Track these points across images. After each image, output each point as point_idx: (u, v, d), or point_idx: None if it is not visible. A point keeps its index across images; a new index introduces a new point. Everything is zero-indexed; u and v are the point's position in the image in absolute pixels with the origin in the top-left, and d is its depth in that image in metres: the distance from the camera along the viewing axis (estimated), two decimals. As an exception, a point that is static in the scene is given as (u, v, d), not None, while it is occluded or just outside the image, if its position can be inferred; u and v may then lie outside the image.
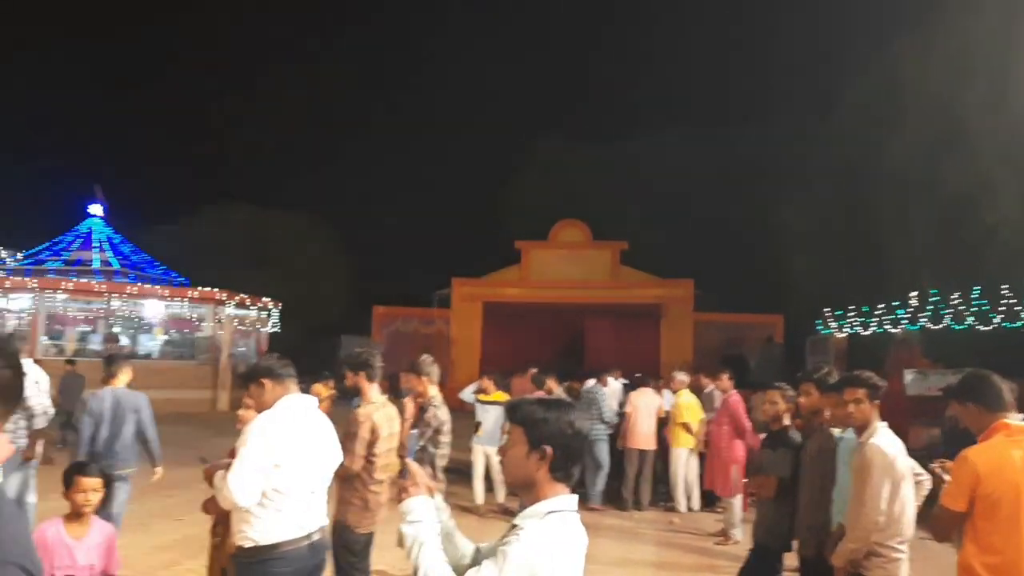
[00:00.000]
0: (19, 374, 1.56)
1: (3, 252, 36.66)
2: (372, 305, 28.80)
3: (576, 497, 2.22)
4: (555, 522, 2.11)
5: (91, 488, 3.86)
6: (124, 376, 6.94)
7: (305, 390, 4.17)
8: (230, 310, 24.61)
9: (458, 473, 10.55)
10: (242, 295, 25.16)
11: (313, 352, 21.83)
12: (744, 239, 30.41)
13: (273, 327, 28.31)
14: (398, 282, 33.29)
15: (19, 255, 28.47)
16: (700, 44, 46.12)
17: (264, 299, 26.78)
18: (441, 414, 6.14)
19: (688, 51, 45.63)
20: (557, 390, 9.92)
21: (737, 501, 8.94)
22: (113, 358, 7.14)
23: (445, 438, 6.28)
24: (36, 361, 8.09)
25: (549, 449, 2.15)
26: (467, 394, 10.76)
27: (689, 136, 35.88)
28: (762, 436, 6.42)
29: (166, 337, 25.76)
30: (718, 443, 9.22)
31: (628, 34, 61.35)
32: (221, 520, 4.25)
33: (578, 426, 2.20)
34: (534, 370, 10.36)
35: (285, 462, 3.65)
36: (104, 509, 4.93)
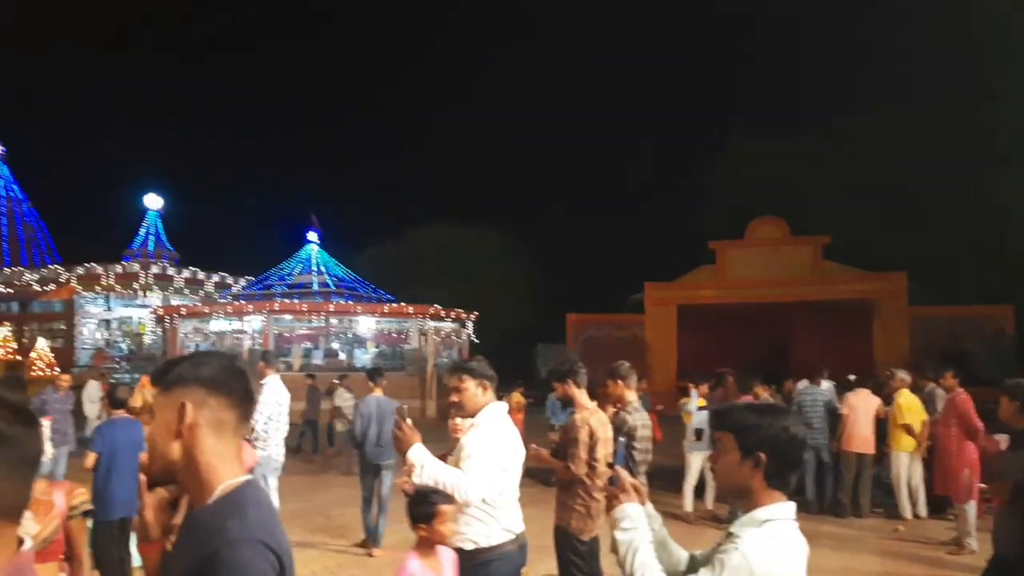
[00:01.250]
0: (250, 389, 1.77)
1: (238, 279, 40.79)
2: (565, 313, 29.13)
3: (793, 505, 2.15)
4: (773, 530, 2.07)
5: (452, 518, 3.51)
6: (380, 386, 8.54)
7: (501, 398, 4.28)
8: (432, 323, 25.87)
9: (662, 479, 10.45)
10: (443, 308, 26.37)
11: (509, 361, 22.45)
12: (963, 225, 27.81)
13: (471, 338, 29.40)
14: (590, 289, 33.47)
15: (243, 281, 31.47)
16: (905, 22, 42.86)
17: (462, 311, 27.90)
18: (633, 419, 6.09)
19: (893, 29, 42.54)
20: (765, 394, 9.57)
21: (971, 507, 8.20)
22: (374, 372, 8.88)
23: (640, 444, 6.21)
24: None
25: (763, 456, 2.10)
26: (692, 408, 10.48)
27: (893, 116, 33.39)
28: (999, 437, 5.87)
29: (377, 350, 27.49)
30: (947, 445, 8.52)
31: (828, 18, 58.13)
32: None
33: (793, 431, 2.13)
34: (731, 377, 10.07)
35: (508, 466, 3.82)
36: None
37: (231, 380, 1.72)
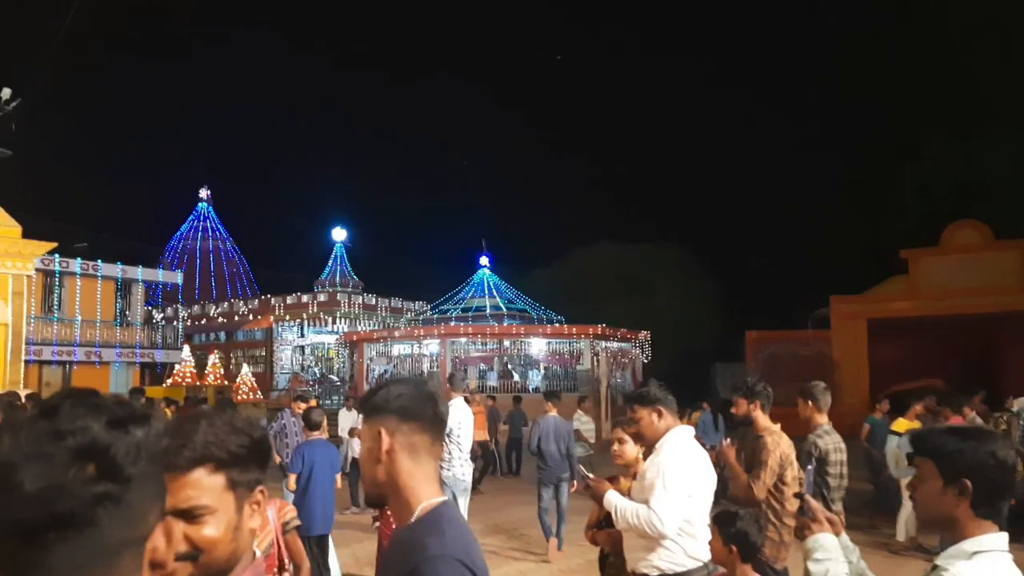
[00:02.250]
0: (440, 412, 1.91)
1: (417, 305, 42.60)
2: (744, 330, 28.14)
3: (1006, 535, 1.96)
4: (985, 563, 1.90)
5: None
6: (556, 407, 9.44)
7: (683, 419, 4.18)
8: (604, 343, 25.76)
9: (870, 504, 9.88)
10: (615, 328, 26.22)
11: (687, 381, 21.92)
12: None
13: (646, 357, 29.00)
14: (771, 304, 32.17)
15: (417, 305, 32.76)
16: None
17: (636, 331, 27.60)
18: (824, 443, 5.73)
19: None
20: (971, 415, 8.76)
21: None
22: (551, 393, 10.20)
23: (833, 469, 5.83)
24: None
25: (968, 483, 1.94)
26: (891, 450, 9.82)
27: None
28: None
29: (546, 371, 27.73)
30: None
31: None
32: (615, 551, 4.23)
33: (1001, 456, 1.96)
34: (932, 396, 9.33)
35: (695, 492, 3.70)
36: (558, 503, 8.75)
37: (421, 406, 1.85)
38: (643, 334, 28.33)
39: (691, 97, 75.50)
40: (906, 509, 9.26)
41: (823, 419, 5.95)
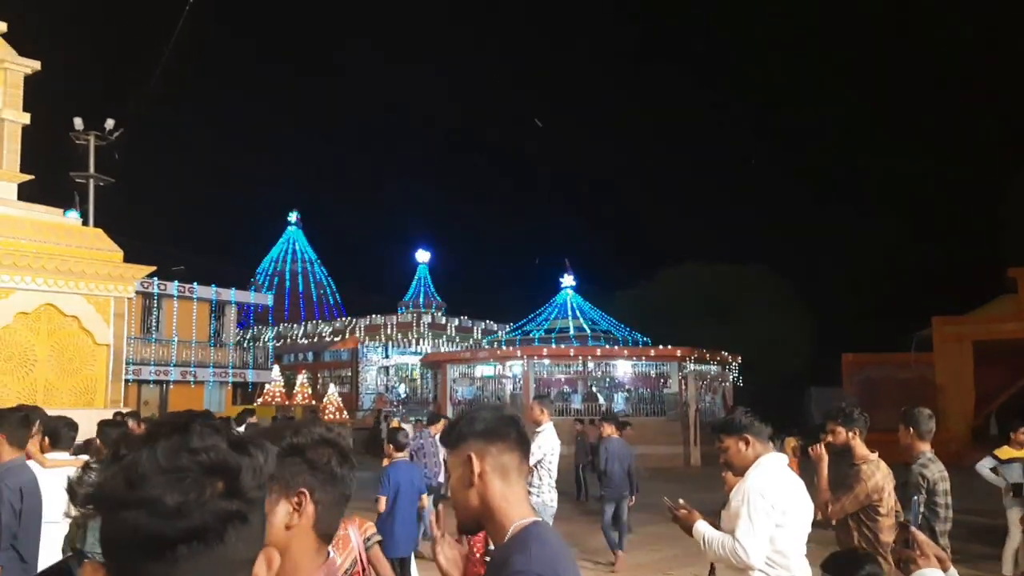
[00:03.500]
0: (523, 432, 1.94)
1: (500, 326, 42.65)
2: (840, 352, 27.07)
3: None
4: None
5: None
6: (619, 431, 10.52)
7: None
8: (692, 366, 25.14)
9: (978, 538, 9.20)
10: (703, 350, 25.58)
11: (779, 405, 21.16)
12: None
13: (736, 380, 28.19)
14: (867, 326, 30.88)
15: (493, 325, 32.77)
16: None
17: (725, 353, 26.88)
18: (931, 472, 5.36)
19: None
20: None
21: None
22: (611, 416, 11.10)
23: (941, 500, 5.49)
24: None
25: None
26: (983, 469, 9.20)
27: None
28: None
29: (631, 394, 27.22)
30: None
31: None
32: None
33: None
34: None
35: (786, 522, 3.56)
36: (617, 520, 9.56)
37: (504, 427, 1.89)
38: (732, 356, 27.56)
39: (780, 111, 73.94)
40: (1014, 541, 8.67)
41: (925, 447, 5.64)
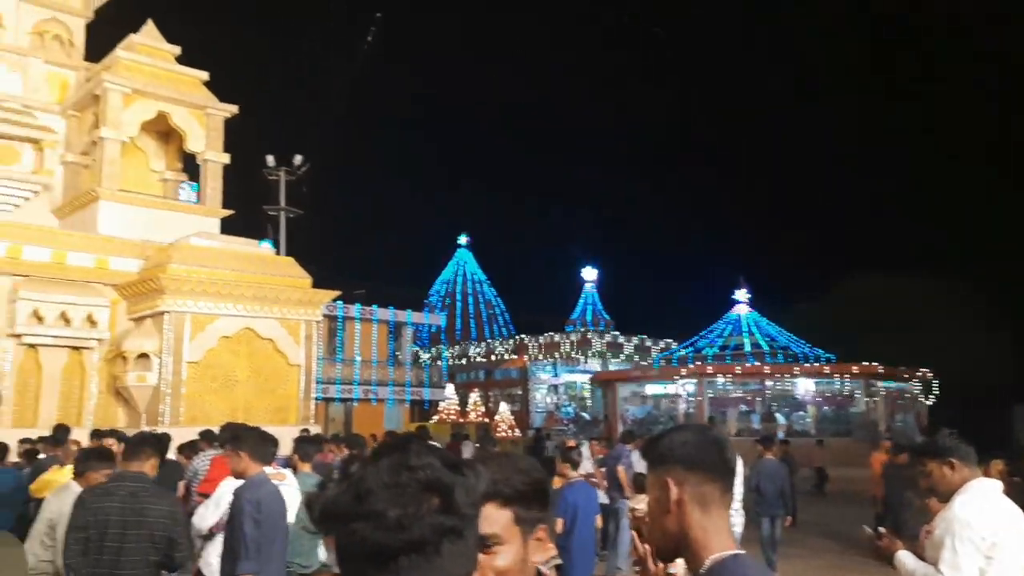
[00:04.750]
0: (728, 459, 1.82)
1: (671, 344, 41.83)
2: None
3: None
4: None
5: None
6: (772, 451, 10.56)
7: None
8: (882, 383, 23.48)
9: None
10: (894, 367, 23.85)
11: (979, 425, 19.34)
12: None
13: (931, 399, 26.07)
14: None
15: (663, 343, 32.02)
16: None
17: (919, 370, 24.93)
18: None
19: None
20: None
21: None
22: (766, 439, 10.85)
23: None
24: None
25: None
26: None
27: None
28: None
29: (813, 413, 25.78)
30: None
31: None
32: None
33: None
34: None
35: (997, 555, 3.22)
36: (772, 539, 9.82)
37: (707, 454, 1.77)
38: (925, 373, 25.52)
39: (970, 114, 68.27)
40: None
41: None
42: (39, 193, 16.57)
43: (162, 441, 9.94)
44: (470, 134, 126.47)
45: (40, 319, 13.96)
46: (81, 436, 10.10)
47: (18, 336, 13.87)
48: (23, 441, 9.33)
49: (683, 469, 1.75)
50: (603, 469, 10.80)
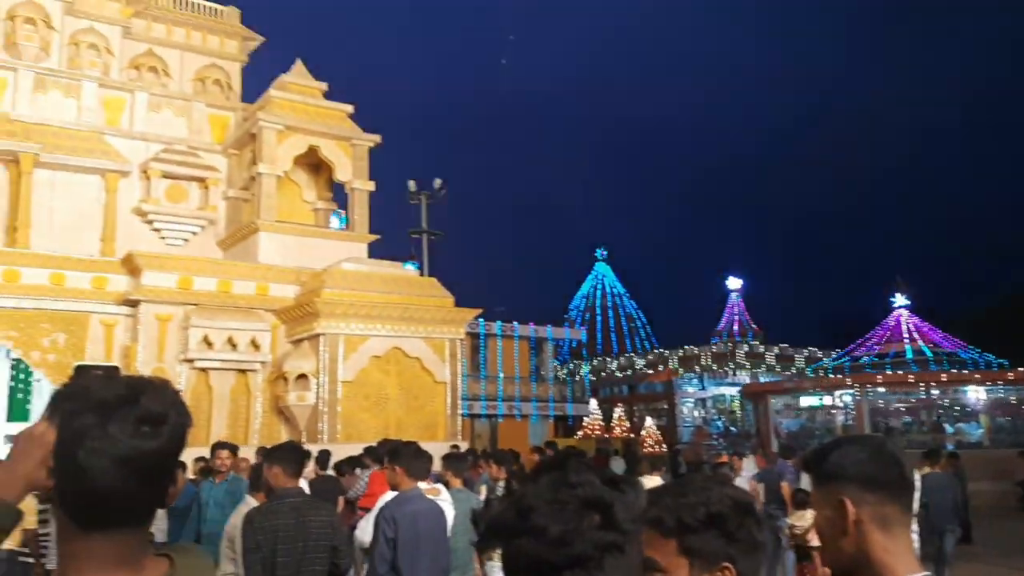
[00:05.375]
0: (906, 475, 1.72)
1: (826, 352, 39.94)
2: None
3: None
4: None
5: None
6: (940, 465, 10.25)
7: None
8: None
9: None
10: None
11: None
12: None
13: None
14: None
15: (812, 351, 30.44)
16: None
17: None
18: None
19: None
20: None
21: None
22: (932, 452, 10.50)
23: None
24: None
25: None
26: None
27: None
28: None
29: (987, 423, 23.80)
30: None
31: None
32: None
33: None
34: None
35: None
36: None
37: (884, 471, 1.66)
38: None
39: None
40: None
41: None
42: (205, 227, 17.88)
43: (322, 456, 10.40)
44: (602, 145, 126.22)
45: (209, 344, 15.00)
46: (248, 453, 10.72)
47: (191, 361, 14.95)
48: (198, 459, 9.99)
49: (859, 488, 1.64)
50: (761, 484, 10.41)
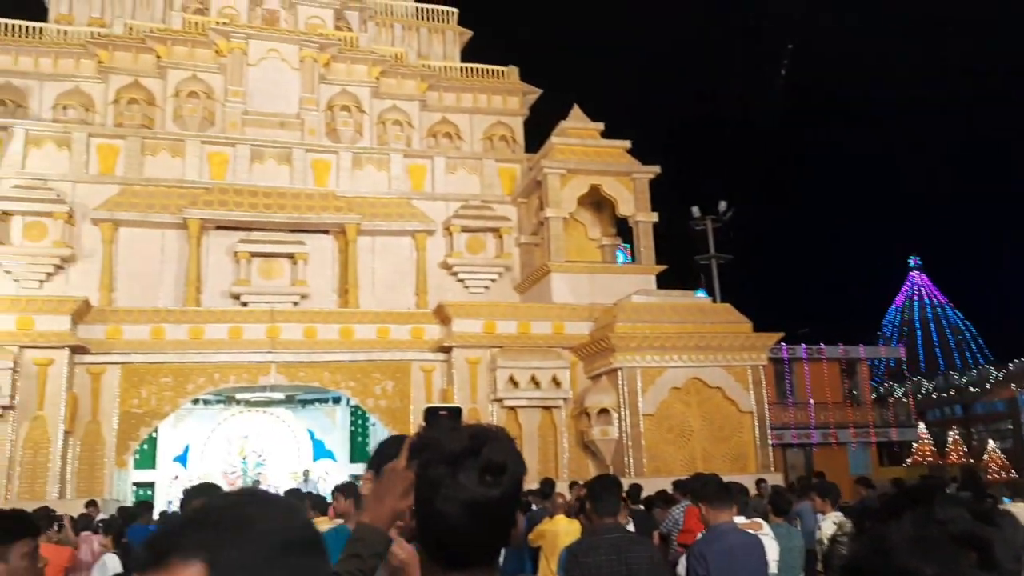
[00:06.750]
0: None
1: None
2: None
3: None
4: None
5: None
6: None
7: None
8: None
9: None
10: None
11: None
12: None
13: None
14: None
15: None
16: None
17: None
18: None
19: None
20: None
21: None
22: None
23: None
24: None
25: None
26: None
27: None
28: None
29: None
30: None
31: None
32: None
33: None
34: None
35: None
36: None
37: None
38: None
39: None
40: None
41: None
42: (502, 274, 19.00)
43: (633, 491, 10.42)
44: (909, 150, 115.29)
45: (515, 384, 15.79)
46: (562, 488, 11.02)
47: (500, 400, 15.83)
48: (525, 493, 10.44)
49: None
50: None
